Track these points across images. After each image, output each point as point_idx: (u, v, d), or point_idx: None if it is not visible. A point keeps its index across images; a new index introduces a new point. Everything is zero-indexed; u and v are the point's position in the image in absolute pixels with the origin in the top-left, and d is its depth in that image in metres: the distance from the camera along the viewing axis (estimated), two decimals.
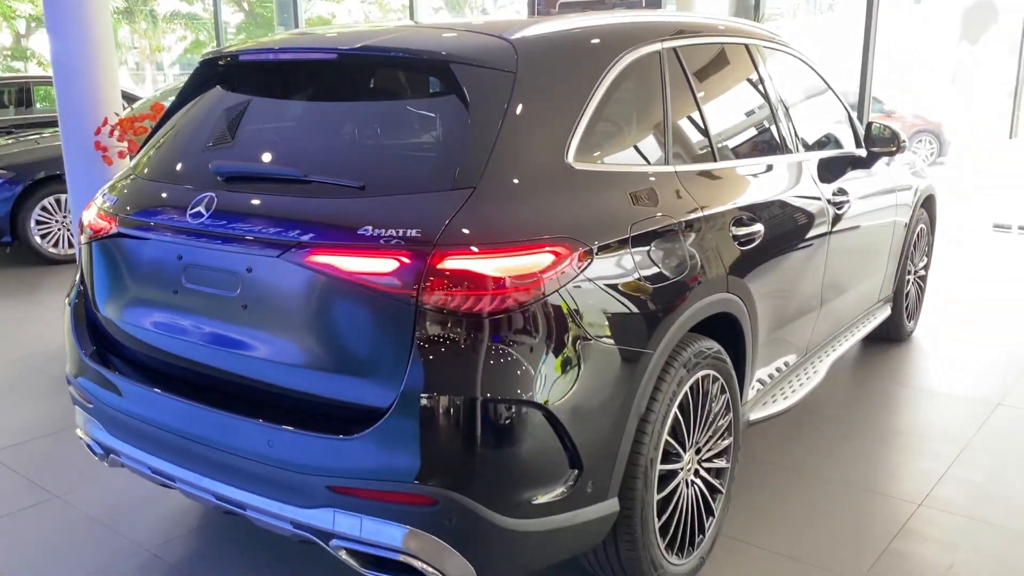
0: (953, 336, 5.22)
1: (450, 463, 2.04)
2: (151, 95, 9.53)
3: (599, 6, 5.77)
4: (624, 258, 2.30)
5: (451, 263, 2.00)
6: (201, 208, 2.31)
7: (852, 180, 3.85)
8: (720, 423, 2.77)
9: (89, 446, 2.76)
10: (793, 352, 3.49)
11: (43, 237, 7.35)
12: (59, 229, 7.40)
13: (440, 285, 2.00)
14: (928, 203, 4.96)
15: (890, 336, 4.96)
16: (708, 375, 2.65)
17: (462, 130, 2.20)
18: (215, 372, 2.37)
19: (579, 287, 2.14)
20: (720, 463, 2.81)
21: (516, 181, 2.17)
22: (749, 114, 3.36)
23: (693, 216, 2.60)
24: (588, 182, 2.35)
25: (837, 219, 3.58)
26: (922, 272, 5.18)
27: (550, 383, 2.08)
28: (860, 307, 4.24)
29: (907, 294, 4.92)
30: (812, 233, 3.38)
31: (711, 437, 2.74)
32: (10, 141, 8.25)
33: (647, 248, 2.37)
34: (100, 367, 2.60)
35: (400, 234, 2.03)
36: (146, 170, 2.66)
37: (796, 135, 3.52)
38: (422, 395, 2.01)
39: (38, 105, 10.36)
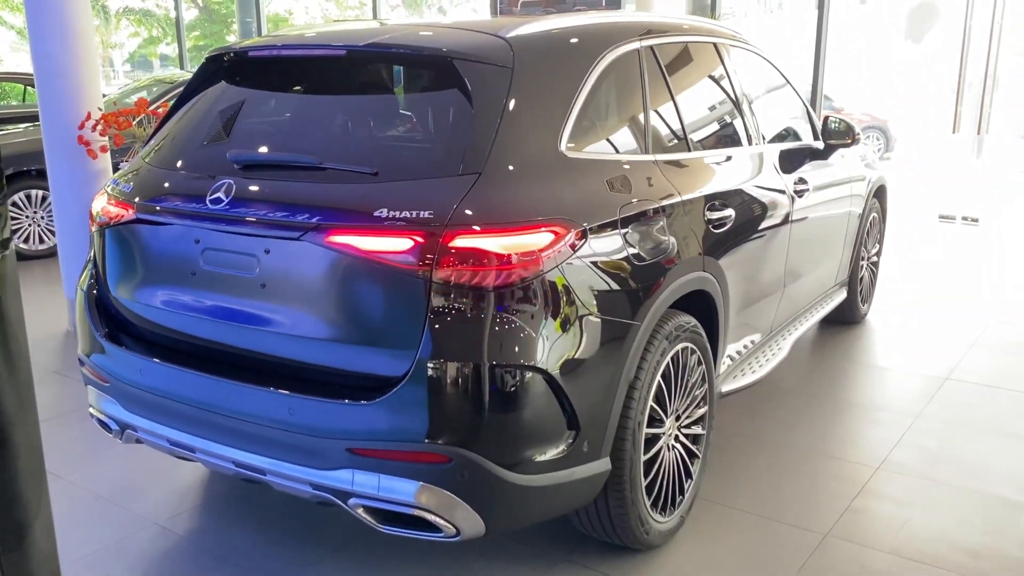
0: (904, 317, 5.54)
1: (462, 423, 2.24)
2: (113, 93, 9.54)
3: (560, 6, 5.98)
4: (614, 238, 2.52)
5: (461, 242, 2.20)
6: (221, 194, 2.48)
7: (811, 170, 4.12)
8: (697, 393, 3.01)
9: (104, 423, 2.89)
10: (759, 331, 3.75)
11: (14, 233, 7.36)
12: (30, 225, 7.42)
13: (451, 262, 2.19)
14: (880, 193, 5.27)
15: (845, 319, 5.26)
16: (687, 347, 2.88)
17: (466, 121, 2.40)
18: (233, 348, 2.53)
19: (574, 264, 2.35)
20: (697, 430, 3.05)
21: (516, 167, 2.38)
22: (718, 108, 3.61)
23: (672, 201, 2.83)
24: (580, 169, 2.56)
25: (798, 207, 3.85)
26: (875, 258, 5.49)
27: (550, 351, 2.29)
28: (819, 290, 4.52)
29: (861, 279, 5.22)
30: (776, 219, 3.63)
31: (689, 405, 2.98)
32: None
33: (634, 230, 2.60)
34: (115, 346, 2.75)
35: (413, 216, 2.22)
36: (160, 159, 2.81)
37: (759, 128, 3.78)
38: (436, 362, 2.21)
39: (2, 101, 10.29)
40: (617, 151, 2.81)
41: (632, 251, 2.57)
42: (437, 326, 2.21)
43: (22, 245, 7.39)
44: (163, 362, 2.62)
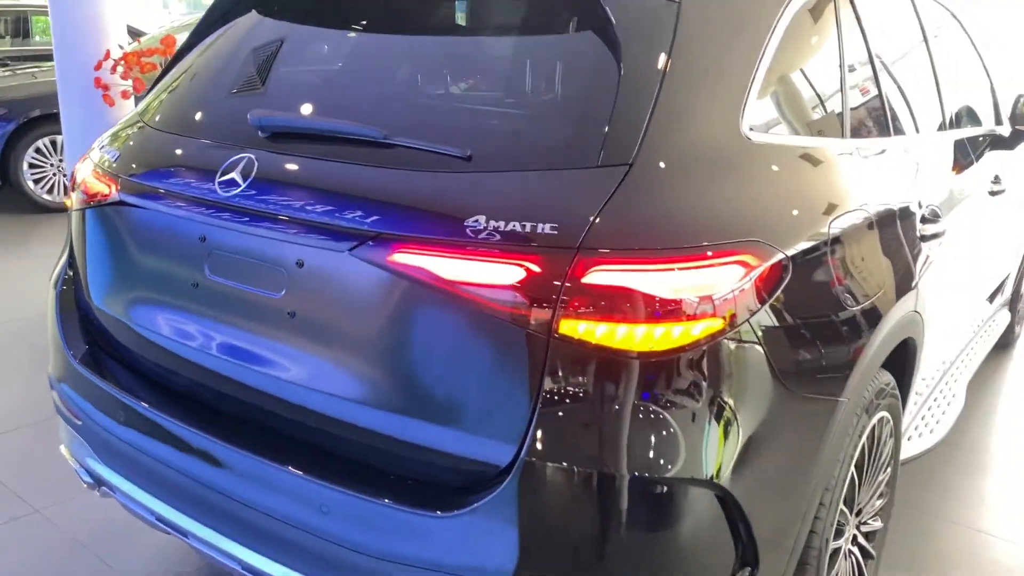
0: None
1: (584, 562, 1.43)
2: (159, 29, 8.78)
3: None
4: (823, 268, 1.67)
5: (600, 276, 1.37)
6: (236, 174, 1.68)
7: (1003, 165, 3.20)
8: (882, 477, 2.17)
9: (77, 471, 2.15)
10: (935, 370, 2.88)
11: (37, 182, 6.68)
12: (55, 174, 6.73)
13: (584, 308, 1.37)
14: None
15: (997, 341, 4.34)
16: (883, 417, 2.04)
17: (609, 80, 1.55)
18: (246, 397, 1.75)
19: (768, 312, 1.51)
20: (875, 524, 2.22)
21: (684, 157, 1.53)
22: (916, 80, 2.70)
23: (886, 208, 1.96)
24: (769, 161, 1.71)
25: (993, 212, 2.95)
26: None
27: (728, 454, 1.46)
28: (991, 313, 3.61)
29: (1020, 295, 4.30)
30: (976, 229, 2.75)
31: (873, 494, 2.14)
32: (5, 73, 7.55)
33: (846, 254, 1.74)
34: (93, 375, 1.98)
35: (526, 229, 1.40)
36: (158, 117, 2.02)
37: (951, 107, 2.87)
38: (548, 464, 1.40)
39: (37, 37, 9.60)
40: (811, 135, 1.95)
41: (843, 287, 1.72)
42: (554, 408, 1.40)
43: (46, 196, 6.71)
44: (151, 408, 1.85)
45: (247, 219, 1.65)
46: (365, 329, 1.54)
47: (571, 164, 1.48)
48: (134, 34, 8.62)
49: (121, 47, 4.20)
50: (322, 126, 1.72)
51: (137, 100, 4.42)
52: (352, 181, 1.59)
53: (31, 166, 6.64)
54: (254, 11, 2.11)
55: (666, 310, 1.37)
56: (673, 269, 1.39)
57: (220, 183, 1.68)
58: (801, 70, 2.02)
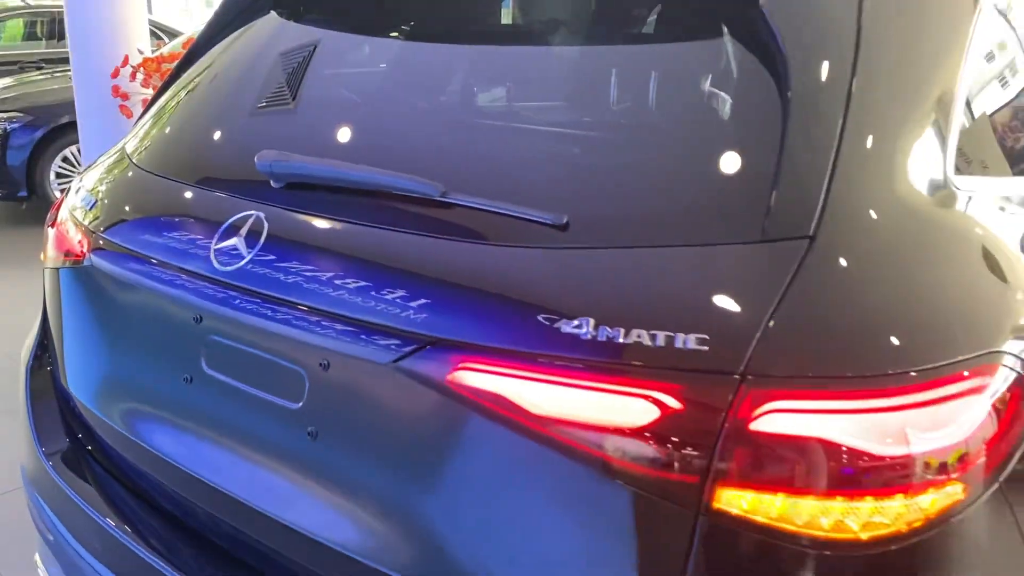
0: None
1: None
2: (192, 31, 8.43)
3: None
4: None
5: (782, 420, 0.89)
6: (238, 240, 1.22)
7: None
8: None
9: None
10: None
11: (64, 192, 6.34)
12: None
13: (755, 469, 0.89)
14: None
15: None
16: None
17: (769, 115, 1.06)
18: (251, 539, 1.30)
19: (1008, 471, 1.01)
20: None
21: (887, 221, 1.04)
22: None
23: None
24: (981, 219, 1.21)
25: None
26: None
27: None
28: None
29: None
30: None
31: None
32: (39, 76, 7.24)
33: None
34: (63, 480, 1.55)
35: (657, 342, 0.92)
36: (146, 154, 1.57)
37: None
38: None
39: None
40: (1013, 173, 1.44)
41: None
42: None
43: None
44: (132, 536, 1.41)
45: (254, 301, 1.20)
46: (414, 472, 1.08)
47: (721, 238, 1.00)
48: (168, 33, 8.28)
49: (141, 52, 3.79)
50: (357, 177, 1.23)
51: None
52: (398, 256, 1.12)
53: (58, 175, 6.30)
54: (273, 12, 1.66)
55: (885, 473, 0.89)
56: (897, 407, 0.90)
57: (218, 251, 1.23)
58: (989, 85, 1.51)
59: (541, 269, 1.02)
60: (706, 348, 0.90)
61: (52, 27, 9.51)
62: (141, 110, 3.82)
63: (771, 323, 0.91)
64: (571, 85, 1.36)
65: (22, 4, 9.77)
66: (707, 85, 1.20)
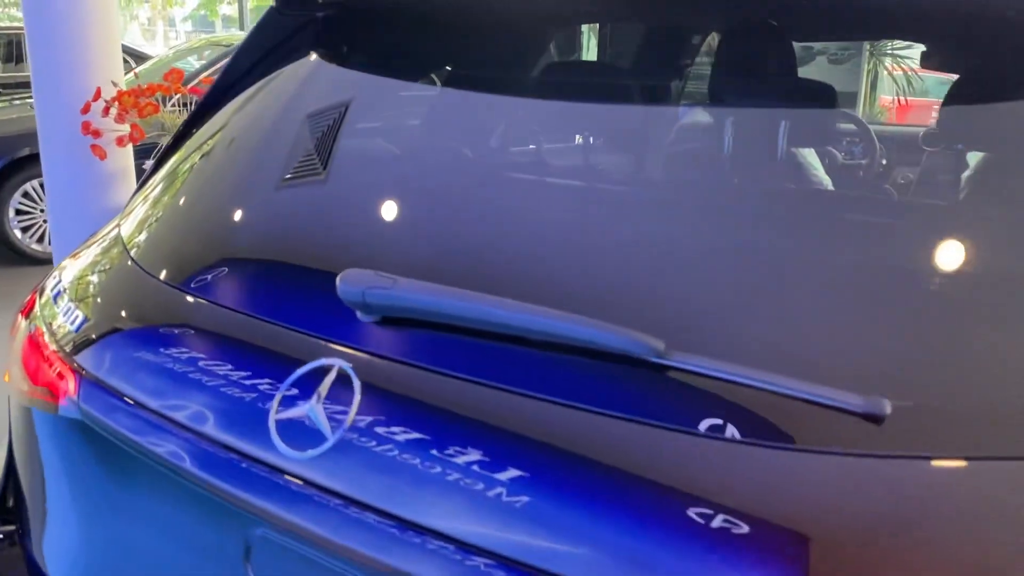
0: None
1: None
2: (161, 54, 7.95)
3: None
4: None
5: None
6: (311, 407, 0.81)
7: None
8: None
9: None
10: None
11: (24, 231, 5.84)
12: (45, 222, 5.89)
13: None
14: None
15: None
16: None
17: None
18: None
19: None
20: None
21: None
22: None
23: None
24: None
25: None
26: None
27: None
28: None
29: None
30: None
31: None
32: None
33: None
34: None
35: None
36: (151, 249, 1.15)
37: None
38: None
39: None
40: None
41: None
42: None
43: (35, 246, 5.87)
44: None
45: (336, 506, 0.78)
46: None
47: None
48: (139, 58, 7.80)
49: (115, 84, 3.35)
50: (499, 316, 0.82)
51: (137, 155, 3.55)
52: (578, 444, 0.71)
53: (18, 212, 5.81)
54: (313, 55, 1.25)
55: None
56: None
57: (282, 424, 0.82)
58: None
59: (853, 487, 0.62)
60: None
61: (10, 49, 8.97)
62: (116, 147, 3.38)
63: None
64: (871, 192, 0.97)
65: None
66: None
